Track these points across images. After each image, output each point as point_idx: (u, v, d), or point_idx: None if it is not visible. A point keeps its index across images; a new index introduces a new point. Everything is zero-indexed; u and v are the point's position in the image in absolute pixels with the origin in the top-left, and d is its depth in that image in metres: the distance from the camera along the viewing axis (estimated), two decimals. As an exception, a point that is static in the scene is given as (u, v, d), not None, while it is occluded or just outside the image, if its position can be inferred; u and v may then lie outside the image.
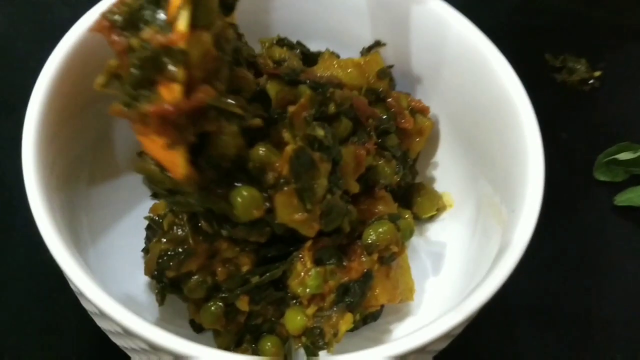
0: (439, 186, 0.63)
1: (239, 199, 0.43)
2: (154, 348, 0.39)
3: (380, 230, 0.50)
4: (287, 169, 0.44)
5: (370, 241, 0.50)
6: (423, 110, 0.60)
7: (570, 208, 0.71)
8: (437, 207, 0.61)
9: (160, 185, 0.42)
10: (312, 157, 0.45)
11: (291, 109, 0.47)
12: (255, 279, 0.48)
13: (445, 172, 0.63)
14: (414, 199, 0.61)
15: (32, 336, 0.57)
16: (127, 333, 0.40)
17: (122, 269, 0.54)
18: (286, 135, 0.47)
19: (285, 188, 0.44)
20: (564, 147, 0.75)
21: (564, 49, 0.83)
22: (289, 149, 0.44)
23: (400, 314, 0.57)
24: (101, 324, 0.46)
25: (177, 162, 0.40)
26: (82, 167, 0.55)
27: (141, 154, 0.43)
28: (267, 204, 0.44)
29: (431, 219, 0.61)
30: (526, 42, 0.86)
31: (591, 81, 0.83)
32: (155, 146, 0.40)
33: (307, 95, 0.48)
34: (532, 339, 0.62)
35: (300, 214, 0.45)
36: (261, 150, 0.44)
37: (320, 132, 0.46)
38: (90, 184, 0.56)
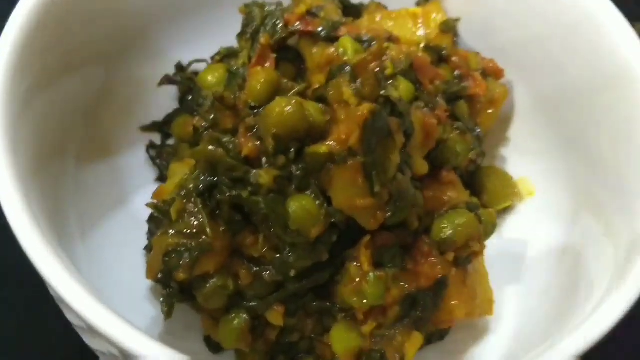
0: (513, 170, 0.56)
1: (295, 207, 0.39)
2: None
3: (458, 222, 0.43)
4: (356, 136, 0.38)
5: (444, 236, 0.43)
6: (496, 73, 0.54)
7: None
8: (513, 196, 0.54)
9: (225, 173, 0.39)
10: (389, 123, 0.38)
11: (356, 58, 0.41)
12: (292, 285, 0.42)
13: (520, 153, 0.56)
14: (483, 186, 0.54)
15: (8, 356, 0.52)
16: (126, 357, 0.35)
17: (119, 271, 0.49)
18: (346, 91, 0.39)
19: (350, 162, 0.38)
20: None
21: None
22: (365, 109, 0.38)
23: (472, 332, 0.49)
24: (91, 342, 0.41)
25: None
26: (68, 145, 0.51)
27: (197, 131, 0.43)
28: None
29: (505, 211, 0.54)
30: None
31: None
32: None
33: (381, 38, 0.42)
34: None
35: (363, 198, 0.39)
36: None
37: (394, 93, 0.41)
38: (78, 166, 0.52)
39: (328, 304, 0.43)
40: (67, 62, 0.48)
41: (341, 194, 0.39)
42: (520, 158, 0.56)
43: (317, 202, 0.39)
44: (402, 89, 0.45)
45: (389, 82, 0.41)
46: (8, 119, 0.41)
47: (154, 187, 0.49)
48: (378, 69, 0.40)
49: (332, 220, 0.40)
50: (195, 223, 0.41)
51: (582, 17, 0.48)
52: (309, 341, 0.45)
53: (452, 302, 0.44)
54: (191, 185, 0.41)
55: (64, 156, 0.50)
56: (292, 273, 0.40)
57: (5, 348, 0.52)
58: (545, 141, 0.54)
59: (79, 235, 0.49)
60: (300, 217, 0.39)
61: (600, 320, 0.36)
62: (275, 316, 0.42)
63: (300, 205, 0.39)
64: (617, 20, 0.47)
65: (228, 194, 0.39)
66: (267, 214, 0.39)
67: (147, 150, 0.55)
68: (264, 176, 0.39)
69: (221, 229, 0.40)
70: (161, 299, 0.43)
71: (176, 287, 0.42)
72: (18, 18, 0.43)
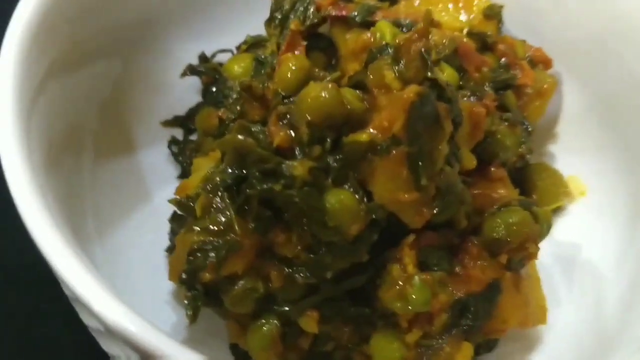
0: (562, 168, 0.53)
1: (333, 202, 0.36)
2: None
3: (513, 220, 0.40)
4: (401, 122, 0.35)
5: (497, 236, 0.40)
6: (545, 63, 0.51)
7: None
8: (565, 195, 0.51)
9: (255, 164, 0.37)
10: (437, 108, 0.36)
11: (399, 38, 0.37)
12: (327, 288, 0.39)
13: (570, 150, 0.53)
14: (533, 184, 0.51)
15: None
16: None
17: (138, 274, 0.48)
18: (388, 75, 0.36)
19: (394, 151, 0.35)
20: None
21: None
22: (412, 91, 0.35)
23: (523, 342, 0.46)
24: (108, 347, 0.39)
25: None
26: (84, 140, 0.49)
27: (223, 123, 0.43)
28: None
29: (555, 211, 0.51)
30: None
31: None
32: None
33: (427, 15, 0.37)
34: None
35: (408, 192, 0.36)
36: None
37: (442, 76, 0.38)
38: (96, 162, 0.50)
39: (367, 309, 0.40)
40: (82, 51, 0.46)
41: (383, 188, 0.36)
42: (569, 155, 0.53)
43: (357, 197, 0.36)
44: (446, 76, 0.42)
45: (433, 65, 0.38)
46: (21, 109, 0.39)
47: (176, 184, 0.46)
48: (424, 49, 0.37)
49: (373, 217, 0.37)
50: (222, 219, 0.38)
51: None
52: (346, 351, 0.42)
53: (505, 310, 0.41)
54: (218, 179, 0.38)
55: (80, 151, 0.48)
56: (328, 275, 0.37)
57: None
58: (597, 138, 0.51)
59: (96, 236, 0.47)
60: (339, 213, 0.36)
61: None
62: (309, 322, 0.40)
63: (338, 200, 0.36)
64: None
65: (258, 188, 0.36)
66: (302, 210, 0.36)
67: (169, 146, 0.53)
68: (298, 168, 0.36)
69: (250, 225, 0.38)
70: (185, 302, 0.40)
71: (201, 289, 0.39)
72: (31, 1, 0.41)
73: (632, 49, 0.47)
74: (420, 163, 0.36)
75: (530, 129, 0.49)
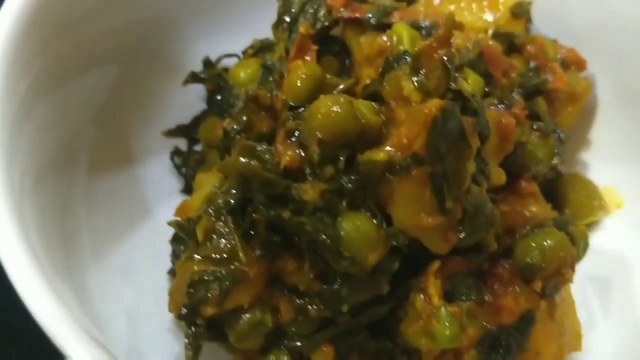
0: (597, 178, 0.51)
1: (348, 228, 0.34)
2: None
3: (547, 244, 0.38)
4: (422, 139, 0.33)
5: (531, 261, 0.38)
6: (578, 64, 0.49)
7: None
8: (600, 208, 0.49)
9: (261, 189, 0.35)
10: (462, 123, 0.34)
11: (418, 45, 0.35)
12: (344, 320, 0.37)
13: (606, 159, 0.51)
14: (565, 197, 0.49)
15: None
16: None
17: (138, 298, 0.46)
18: (407, 86, 0.34)
19: (415, 171, 0.33)
20: None
21: None
22: (434, 106, 0.33)
23: None
24: None
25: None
26: (78, 154, 0.48)
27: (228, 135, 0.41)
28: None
29: (590, 225, 0.49)
30: None
31: None
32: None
33: (449, 20, 0.34)
34: None
35: (432, 216, 0.34)
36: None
37: (466, 87, 0.35)
38: (91, 176, 0.48)
39: (388, 343, 0.38)
40: (72, 62, 0.45)
41: (404, 211, 0.34)
42: (605, 164, 0.51)
43: (375, 222, 0.34)
44: (470, 83, 0.39)
45: (456, 75, 0.35)
46: (4, 126, 0.37)
47: (179, 199, 0.44)
48: (446, 58, 0.34)
49: (394, 244, 0.35)
50: (226, 246, 0.36)
51: None
52: None
53: (539, 341, 0.38)
54: (220, 201, 0.36)
55: (73, 165, 0.47)
56: (345, 309, 0.35)
57: None
58: (634, 144, 0.49)
59: (91, 256, 0.45)
60: (355, 240, 0.34)
61: None
62: (324, 358, 0.37)
63: (354, 226, 0.34)
64: None
65: (265, 214, 0.33)
66: (314, 238, 0.33)
67: (172, 158, 0.51)
68: (308, 191, 0.33)
69: (257, 252, 0.36)
70: (185, 341, 0.37)
71: (203, 324, 0.37)
72: (12, 6, 0.39)
73: None
74: (444, 184, 0.34)
75: (563, 138, 0.46)
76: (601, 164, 0.51)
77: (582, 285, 0.46)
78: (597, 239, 0.49)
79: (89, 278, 0.43)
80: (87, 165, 0.48)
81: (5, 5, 0.41)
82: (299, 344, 0.37)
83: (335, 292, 0.35)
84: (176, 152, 0.51)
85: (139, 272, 0.47)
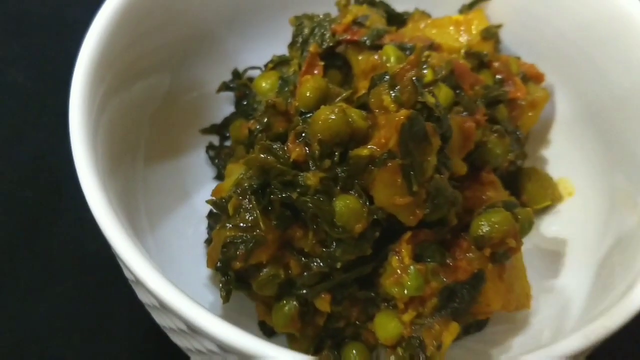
0: (554, 171, 0.56)
1: (340, 205, 0.41)
2: (225, 350, 0.36)
3: (495, 219, 0.43)
4: (395, 139, 0.39)
5: (481, 233, 0.43)
6: (537, 78, 0.54)
7: None
8: (552, 196, 0.54)
9: (276, 177, 0.41)
10: (425, 127, 0.40)
11: (394, 68, 0.42)
12: (338, 274, 0.44)
13: (561, 155, 0.57)
14: (523, 186, 0.54)
15: (80, 332, 0.54)
16: (193, 331, 0.37)
17: (183, 259, 0.51)
18: (386, 99, 0.41)
19: (390, 163, 0.39)
20: None
21: None
22: (402, 115, 0.39)
23: (510, 324, 0.50)
24: (160, 319, 0.43)
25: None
26: (137, 146, 0.53)
27: (252, 134, 0.46)
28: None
29: (544, 210, 0.55)
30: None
31: None
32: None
33: (419, 49, 0.42)
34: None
35: (402, 197, 0.40)
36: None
37: (431, 99, 0.41)
38: (146, 166, 0.54)
39: (372, 293, 0.44)
40: (137, 69, 0.50)
41: (382, 193, 0.40)
42: (561, 159, 0.56)
43: (360, 201, 0.41)
44: (442, 94, 0.46)
45: (427, 89, 0.42)
46: (87, 122, 0.43)
47: (212, 184, 0.51)
48: (415, 77, 0.41)
49: (375, 218, 0.41)
50: (250, 218, 0.42)
51: (620, 25, 0.48)
52: (354, 327, 0.46)
53: (489, 296, 0.44)
54: (246, 184, 0.42)
55: (134, 157, 0.52)
56: (338, 265, 0.42)
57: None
58: (585, 143, 0.54)
59: (148, 229, 0.51)
60: (345, 214, 0.40)
61: (614, 313, 0.37)
62: (323, 303, 0.43)
63: (345, 204, 0.40)
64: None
65: (279, 196, 0.41)
66: (315, 213, 0.41)
67: (207, 151, 0.57)
68: (311, 178, 0.40)
69: (273, 223, 0.42)
70: (220, 286, 0.44)
71: (233, 275, 0.43)
72: (97, 27, 0.46)
73: (615, 66, 0.50)
74: (412, 173, 0.40)
75: (522, 137, 0.52)
76: (557, 159, 0.56)
77: (536, 257, 0.52)
78: (552, 220, 0.54)
79: (148, 245, 0.48)
80: (144, 156, 0.53)
81: (93, 24, 0.46)
82: (304, 292, 0.43)
83: (332, 253, 0.42)
84: (210, 147, 0.58)
85: (182, 240, 0.52)
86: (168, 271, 0.44)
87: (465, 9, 0.56)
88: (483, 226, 0.43)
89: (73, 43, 0.47)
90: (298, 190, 0.41)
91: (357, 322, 0.46)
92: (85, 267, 0.57)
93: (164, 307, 0.38)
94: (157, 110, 0.55)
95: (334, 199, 0.41)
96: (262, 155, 0.41)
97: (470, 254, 0.43)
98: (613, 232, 0.49)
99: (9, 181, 0.61)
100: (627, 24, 0.48)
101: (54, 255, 0.57)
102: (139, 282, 0.38)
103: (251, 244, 0.42)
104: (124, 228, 0.39)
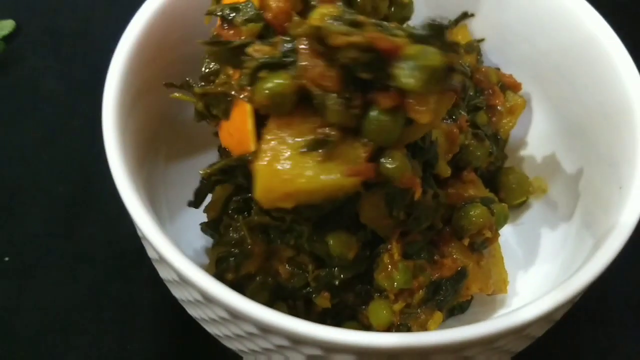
0: (530, 170, 0.59)
1: (332, 242, 0.43)
2: (265, 330, 0.38)
3: (473, 213, 0.47)
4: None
5: (461, 224, 0.47)
6: (514, 87, 0.57)
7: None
8: (528, 192, 0.57)
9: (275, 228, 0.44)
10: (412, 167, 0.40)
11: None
12: (338, 277, 0.47)
13: (537, 156, 0.59)
14: (502, 184, 0.57)
15: (108, 312, 0.57)
16: (207, 300, 0.39)
17: (195, 248, 0.54)
18: None
19: (375, 192, 0.42)
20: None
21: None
22: None
23: (490, 306, 0.54)
24: (180, 294, 0.45)
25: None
26: (159, 146, 0.55)
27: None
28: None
29: (521, 205, 0.58)
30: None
31: None
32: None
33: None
34: (630, 331, 0.58)
35: (384, 219, 0.43)
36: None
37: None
38: (167, 164, 0.56)
39: (368, 286, 0.47)
40: (161, 78, 0.49)
41: (367, 214, 0.43)
42: (536, 159, 0.59)
43: (349, 233, 0.44)
44: None
45: None
46: (119, 119, 0.45)
47: None
48: None
49: (362, 242, 0.44)
50: (237, 236, 0.46)
51: (590, 49, 0.51)
52: (351, 309, 0.48)
53: (468, 280, 0.47)
54: (234, 207, 0.47)
55: (156, 154, 0.54)
56: (337, 283, 0.45)
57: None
58: (558, 144, 0.57)
59: (168, 218, 0.54)
60: (339, 247, 0.44)
61: (562, 289, 0.40)
62: (324, 301, 0.46)
63: (337, 241, 0.44)
64: (619, 50, 0.49)
65: (279, 242, 0.45)
66: (312, 251, 0.45)
67: (219, 151, 0.55)
68: (305, 229, 0.44)
69: (258, 238, 0.46)
70: None
71: (229, 285, 0.41)
72: (126, 41, 0.47)
73: (586, 84, 0.52)
74: (393, 200, 0.42)
75: (501, 140, 0.56)
76: (533, 159, 0.59)
77: (513, 248, 0.56)
78: (528, 215, 0.58)
79: (167, 232, 0.47)
80: (164, 155, 0.55)
81: (122, 39, 0.48)
82: (310, 290, 0.46)
83: (332, 272, 0.45)
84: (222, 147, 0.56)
85: (196, 232, 0.53)
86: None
87: (452, 25, 0.59)
88: (462, 219, 0.47)
89: (100, 54, 0.50)
90: (295, 234, 0.44)
91: (354, 306, 0.48)
92: (113, 253, 0.60)
93: (183, 281, 0.40)
94: (176, 114, 0.56)
95: (327, 237, 0.44)
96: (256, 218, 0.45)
97: (453, 244, 0.47)
98: (578, 222, 0.52)
99: (45, 178, 0.64)
100: (596, 49, 0.50)
101: (86, 243, 0.61)
102: (162, 259, 0.40)
103: (240, 258, 0.46)
104: (149, 213, 0.41)
